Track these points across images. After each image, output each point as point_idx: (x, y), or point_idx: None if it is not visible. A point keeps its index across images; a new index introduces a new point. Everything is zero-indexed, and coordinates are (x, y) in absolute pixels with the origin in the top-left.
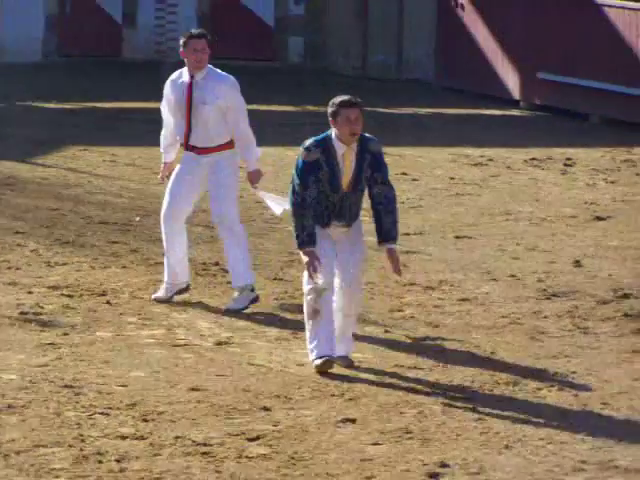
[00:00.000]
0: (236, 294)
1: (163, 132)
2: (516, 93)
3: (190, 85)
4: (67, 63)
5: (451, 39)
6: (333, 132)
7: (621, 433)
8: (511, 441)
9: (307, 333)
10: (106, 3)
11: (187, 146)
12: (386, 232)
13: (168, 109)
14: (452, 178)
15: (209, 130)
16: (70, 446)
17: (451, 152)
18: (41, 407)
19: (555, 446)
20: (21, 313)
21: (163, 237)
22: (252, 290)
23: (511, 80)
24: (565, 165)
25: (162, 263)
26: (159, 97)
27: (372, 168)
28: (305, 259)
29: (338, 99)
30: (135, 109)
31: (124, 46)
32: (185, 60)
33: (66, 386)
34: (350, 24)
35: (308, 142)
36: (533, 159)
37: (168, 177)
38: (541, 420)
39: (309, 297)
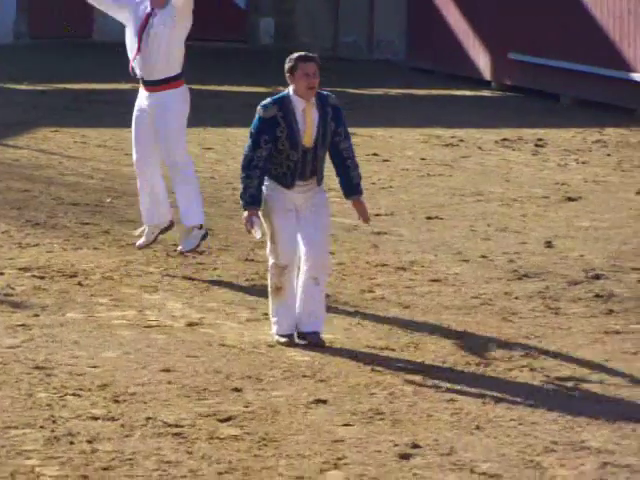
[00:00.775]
0: (184, 236)
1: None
2: (487, 74)
3: (148, 16)
4: (38, 45)
5: (422, 20)
6: (291, 89)
7: (592, 414)
8: (482, 422)
9: (270, 306)
10: None
11: (137, 76)
12: (356, 185)
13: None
14: (423, 159)
15: (158, 59)
16: (41, 427)
17: (422, 133)
18: (12, 388)
19: (526, 427)
20: None
21: (138, 183)
22: (200, 228)
23: (482, 61)
24: (536, 146)
25: (133, 244)
26: (129, 78)
27: (335, 121)
28: (244, 215)
29: (295, 54)
30: (106, 90)
31: (95, 28)
32: None
33: (37, 367)
34: (321, 5)
35: (265, 101)
36: (504, 140)
37: None
38: (512, 401)
39: (271, 273)
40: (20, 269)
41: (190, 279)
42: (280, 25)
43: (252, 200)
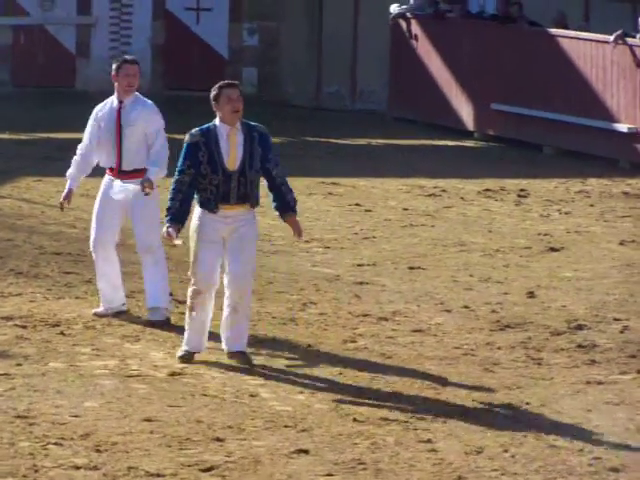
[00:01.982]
0: (150, 312)
1: (77, 159)
2: (470, 124)
3: (119, 109)
4: (20, 93)
5: (404, 70)
6: (217, 118)
7: (575, 465)
8: (464, 472)
9: (186, 326)
10: (60, 34)
11: (116, 171)
12: (289, 204)
13: (92, 137)
14: (405, 209)
15: (135, 153)
16: (24, 476)
17: (405, 183)
18: None
19: (508, 477)
20: None
21: (95, 264)
22: (166, 309)
23: (465, 111)
24: (519, 196)
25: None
26: None
27: (262, 147)
28: (164, 228)
29: (219, 83)
30: None
31: (77, 77)
32: (115, 84)
33: (19, 416)
34: (304, 55)
35: (192, 130)
36: (487, 190)
37: (68, 203)
38: (494, 451)
39: (189, 294)
40: (2, 318)
41: (173, 328)
42: (263, 75)
43: (173, 218)
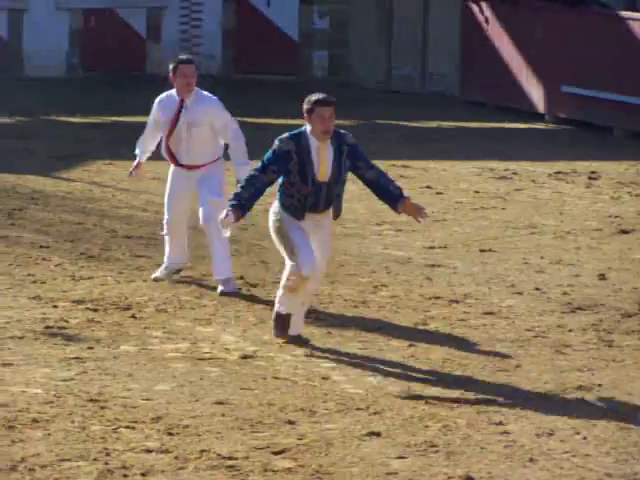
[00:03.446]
0: (222, 283)
1: (142, 138)
2: (540, 106)
3: (179, 108)
4: (91, 77)
5: (475, 52)
6: (308, 127)
7: None
8: (536, 454)
9: (279, 298)
10: (130, 17)
11: (175, 163)
12: (397, 194)
13: (155, 127)
14: (477, 192)
15: (197, 151)
16: (95, 460)
17: (476, 165)
18: (66, 421)
19: (580, 459)
20: (46, 327)
21: (166, 242)
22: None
23: (535, 93)
24: (590, 179)
25: (189, 277)
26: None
27: (351, 159)
28: (225, 209)
29: (314, 97)
30: None
31: (148, 60)
32: (174, 84)
33: (91, 400)
34: (374, 38)
35: (283, 135)
36: (558, 172)
37: (136, 174)
38: (566, 433)
39: (290, 277)
40: (74, 302)
41: (244, 311)
42: (334, 58)
43: (239, 205)
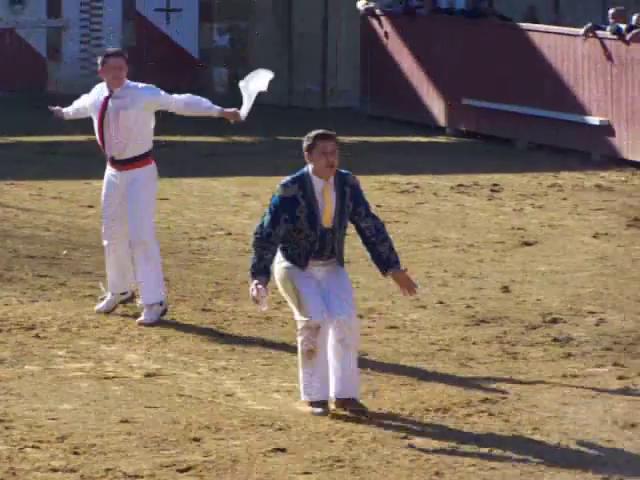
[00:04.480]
0: (145, 310)
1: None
2: (442, 120)
3: (107, 99)
4: None
5: (376, 67)
6: (309, 168)
7: (552, 458)
8: (442, 467)
9: (300, 373)
10: (30, 37)
11: (107, 157)
12: (387, 259)
13: (86, 104)
14: (379, 206)
15: (125, 136)
16: None
17: (377, 180)
18: None
19: (485, 472)
20: None
21: (105, 255)
22: (161, 304)
23: (436, 107)
24: (492, 191)
25: (91, 296)
26: (84, 130)
27: (353, 201)
28: (252, 286)
29: (313, 132)
30: (61, 142)
31: (49, 80)
32: (104, 78)
33: None
34: (274, 54)
35: (285, 179)
36: (460, 185)
37: (58, 112)
38: (471, 446)
39: (303, 337)
40: None
41: (147, 330)
42: (234, 74)
43: (265, 271)
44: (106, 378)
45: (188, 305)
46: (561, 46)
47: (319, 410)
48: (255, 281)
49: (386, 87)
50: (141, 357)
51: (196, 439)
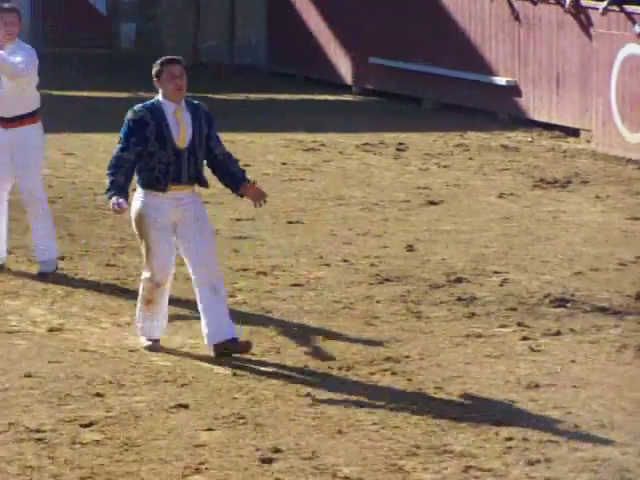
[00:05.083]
0: (40, 265)
1: None
2: (348, 78)
3: None
4: None
5: (283, 24)
6: (160, 94)
7: (454, 417)
8: (344, 426)
9: (137, 313)
10: None
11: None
12: (240, 176)
13: None
14: (284, 163)
15: (10, 98)
16: None
17: (283, 137)
18: None
19: (388, 431)
20: None
21: None
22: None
23: (343, 65)
24: (397, 150)
25: None
26: None
27: (208, 125)
28: (112, 201)
29: (161, 59)
30: None
31: None
32: None
33: None
34: (182, 10)
35: (136, 106)
36: (365, 144)
37: None
38: (374, 404)
39: (143, 287)
40: None
41: (51, 285)
42: (142, 30)
43: (119, 190)
44: (9, 332)
45: (92, 260)
46: (469, 5)
47: (149, 344)
48: (113, 199)
49: (293, 44)
50: (45, 312)
51: (99, 394)
